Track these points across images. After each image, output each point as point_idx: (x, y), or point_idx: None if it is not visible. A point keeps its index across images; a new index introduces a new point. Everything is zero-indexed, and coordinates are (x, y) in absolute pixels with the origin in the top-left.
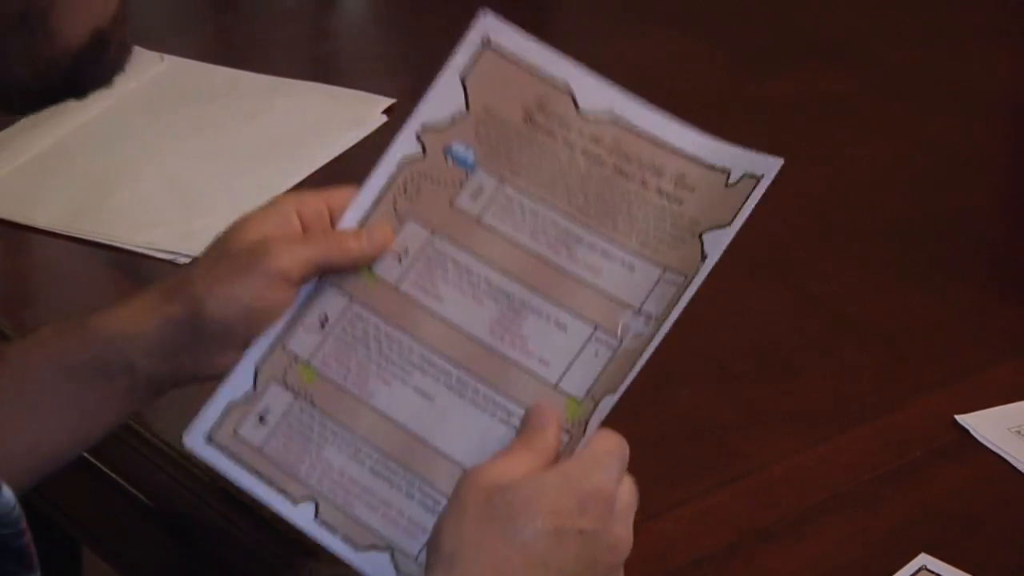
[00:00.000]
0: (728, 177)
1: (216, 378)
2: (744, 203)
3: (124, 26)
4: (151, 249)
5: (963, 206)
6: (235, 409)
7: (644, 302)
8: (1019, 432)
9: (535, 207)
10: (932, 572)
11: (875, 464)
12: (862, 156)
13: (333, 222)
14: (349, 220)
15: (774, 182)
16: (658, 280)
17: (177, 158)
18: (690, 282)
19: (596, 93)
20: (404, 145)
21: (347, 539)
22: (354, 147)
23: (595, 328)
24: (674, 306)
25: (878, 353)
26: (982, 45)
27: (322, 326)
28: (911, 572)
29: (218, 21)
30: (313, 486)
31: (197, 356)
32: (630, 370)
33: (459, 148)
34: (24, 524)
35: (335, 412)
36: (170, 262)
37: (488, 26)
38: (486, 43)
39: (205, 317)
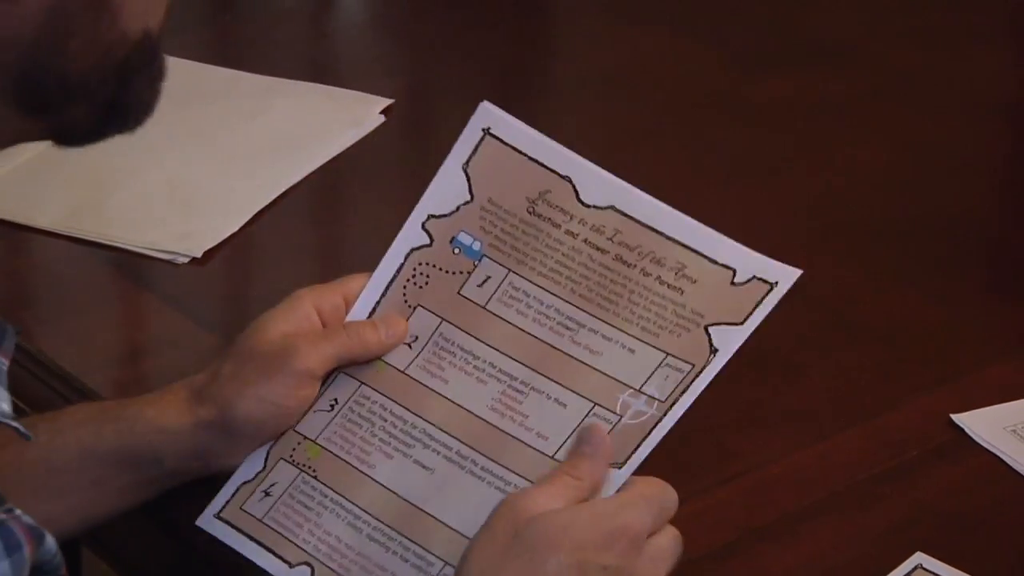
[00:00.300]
0: (734, 275)
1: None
2: (756, 307)
3: (161, 47)
4: (151, 249)
5: (963, 206)
6: (244, 488)
7: (644, 384)
8: (1015, 431)
9: (539, 294)
10: (928, 571)
11: (872, 463)
12: (862, 157)
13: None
14: (359, 311)
15: (774, 183)
16: (660, 364)
17: (176, 158)
18: (700, 372)
19: (596, 183)
20: (411, 236)
21: None
22: (352, 147)
23: (594, 405)
24: (684, 392)
25: (875, 353)
26: (982, 45)
27: (331, 408)
28: (907, 571)
29: (216, 22)
30: (310, 552)
31: (225, 453)
32: (636, 447)
33: (465, 239)
34: (64, 571)
35: (336, 484)
36: (169, 262)
37: (487, 116)
38: (486, 132)
39: (236, 419)
